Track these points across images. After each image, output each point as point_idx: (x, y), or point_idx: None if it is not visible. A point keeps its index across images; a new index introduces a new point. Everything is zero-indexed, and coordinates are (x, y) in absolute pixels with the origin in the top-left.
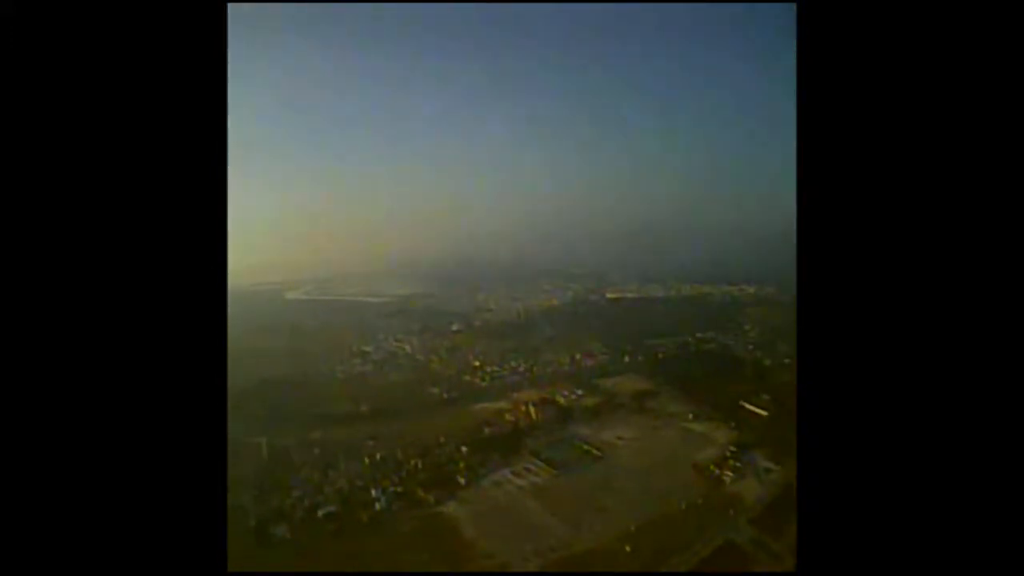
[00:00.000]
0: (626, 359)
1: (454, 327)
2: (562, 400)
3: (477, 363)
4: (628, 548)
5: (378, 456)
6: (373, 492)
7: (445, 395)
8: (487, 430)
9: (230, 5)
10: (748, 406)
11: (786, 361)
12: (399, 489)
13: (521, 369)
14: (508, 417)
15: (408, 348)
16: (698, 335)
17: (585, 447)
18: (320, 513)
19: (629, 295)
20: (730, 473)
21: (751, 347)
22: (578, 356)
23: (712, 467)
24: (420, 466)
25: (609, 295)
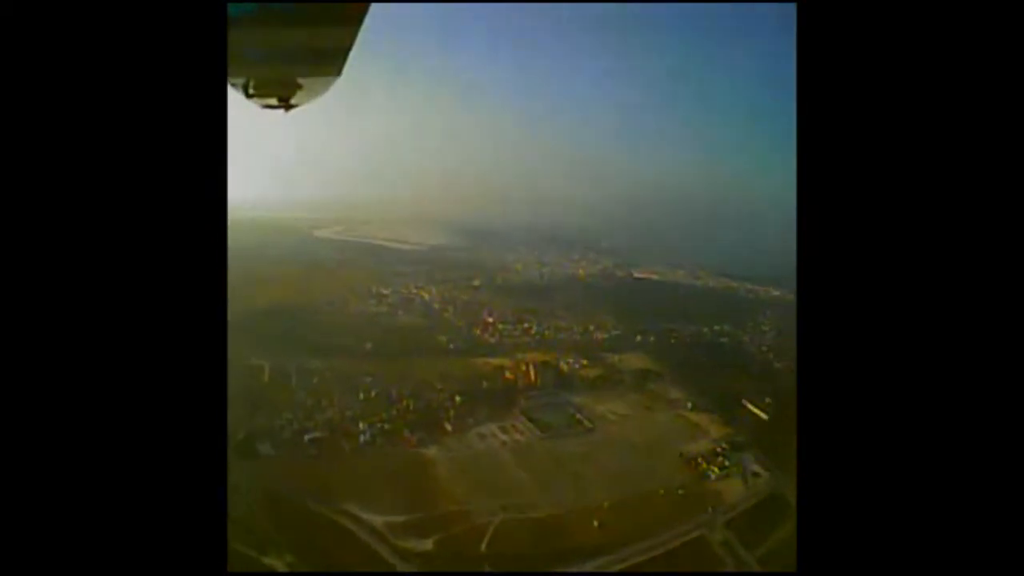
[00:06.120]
0: (638, 338)
1: (475, 282)
2: (564, 367)
3: (490, 319)
4: (596, 523)
5: (373, 392)
6: (360, 425)
7: (451, 345)
8: (484, 383)
9: None
10: (749, 405)
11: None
12: (386, 426)
13: (532, 331)
14: (508, 374)
15: (426, 296)
16: (715, 327)
17: (577, 416)
18: (306, 438)
19: (654, 277)
20: (716, 470)
21: (764, 348)
22: (591, 327)
23: (700, 460)
24: (411, 407)
25: (636, 274)
